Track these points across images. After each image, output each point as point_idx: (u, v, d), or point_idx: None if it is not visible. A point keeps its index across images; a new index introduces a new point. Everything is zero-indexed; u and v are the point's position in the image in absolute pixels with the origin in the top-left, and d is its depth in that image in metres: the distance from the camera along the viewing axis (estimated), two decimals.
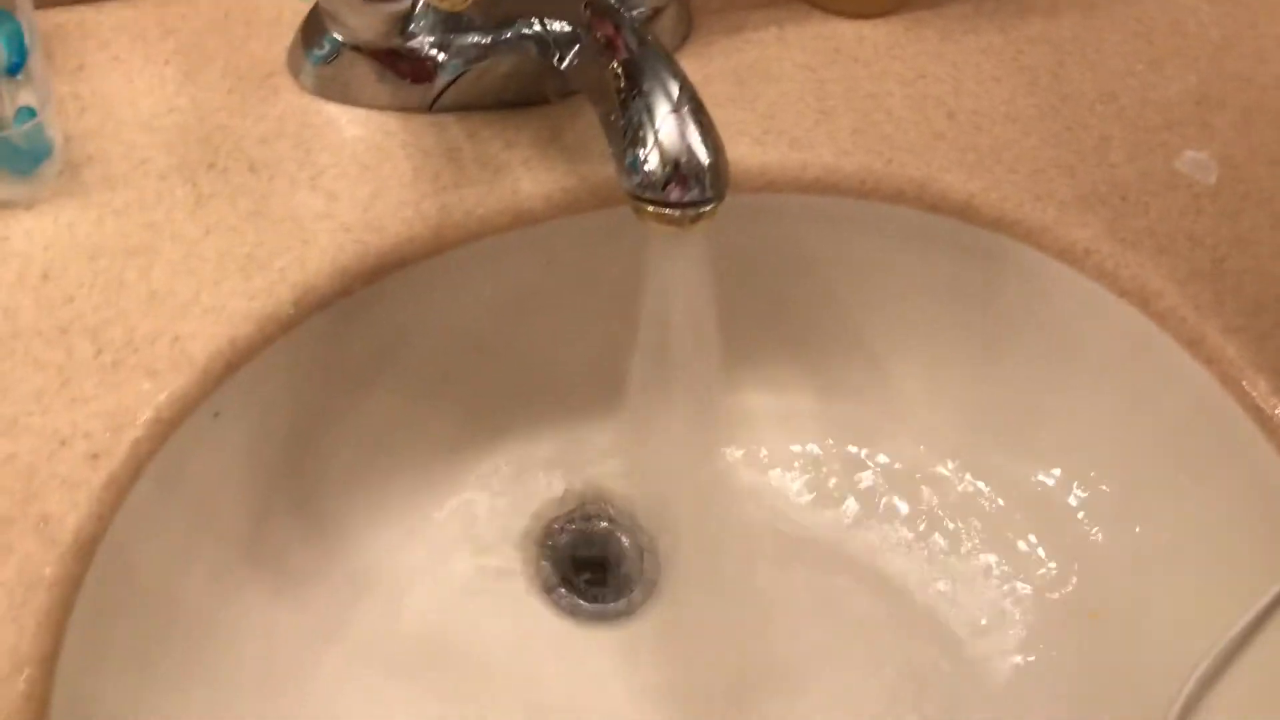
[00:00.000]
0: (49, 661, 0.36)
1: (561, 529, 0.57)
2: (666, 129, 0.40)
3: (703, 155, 0.40)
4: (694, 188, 0.39)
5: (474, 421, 0.55)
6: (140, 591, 0.42)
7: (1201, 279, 0.51)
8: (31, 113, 0.44)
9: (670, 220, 0.40)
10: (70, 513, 0.38)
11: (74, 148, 0.46)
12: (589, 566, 0.57)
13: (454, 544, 0.55)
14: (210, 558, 0.47)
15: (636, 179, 0.40)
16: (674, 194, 0.39)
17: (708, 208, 0.40)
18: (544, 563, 0.56)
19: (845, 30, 0.56)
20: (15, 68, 0.46)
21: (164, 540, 0.43)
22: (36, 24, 0.45)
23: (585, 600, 0.56)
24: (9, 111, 0.44)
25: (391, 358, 0.51)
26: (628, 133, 0.40)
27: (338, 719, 0.50)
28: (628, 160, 0.40)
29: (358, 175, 0.48)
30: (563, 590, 0.56)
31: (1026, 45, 0.58)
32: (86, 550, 0.38)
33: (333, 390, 0.49)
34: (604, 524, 0.58)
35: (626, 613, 0.56)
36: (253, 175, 0.47)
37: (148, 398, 0.41)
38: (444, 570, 0.55)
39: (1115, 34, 0.59)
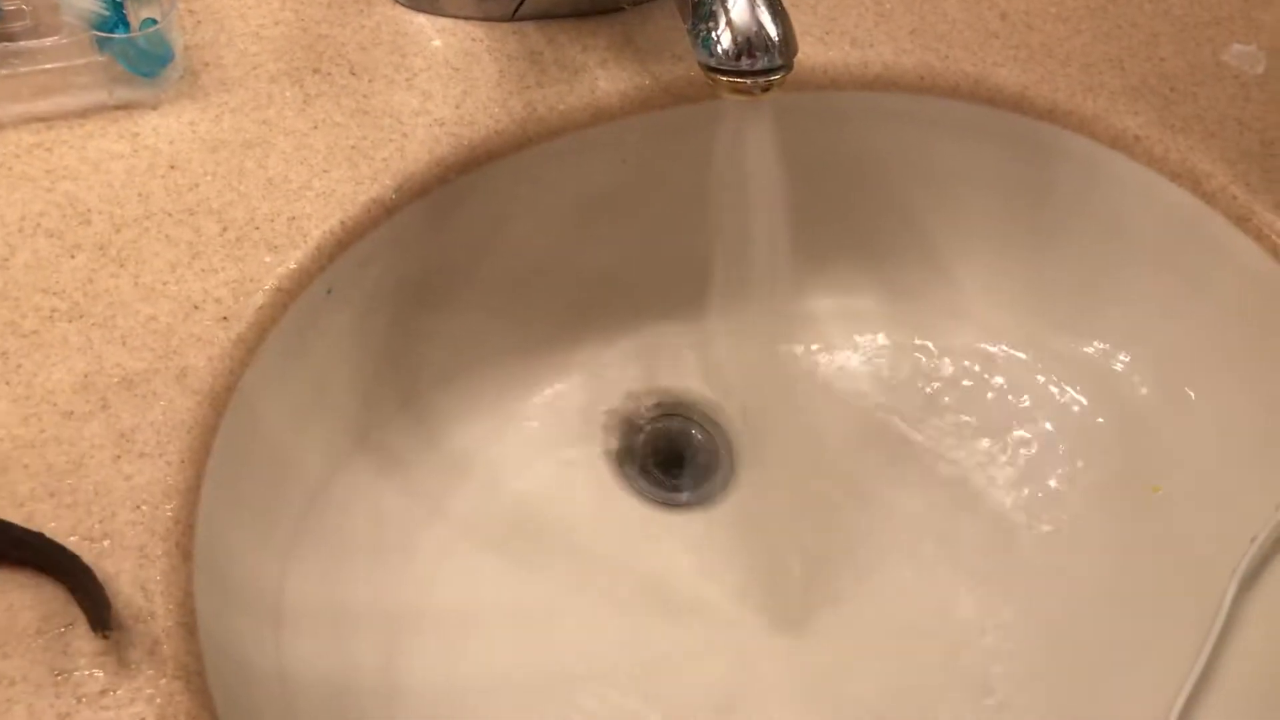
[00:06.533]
0: (192, 494, 0.40)
1: (642, 423, 0.61)
2: (738, 9, 0.43)
3: (771, 29, 0.43)
4: (763, 58, 0.43)
5: (559, 317, 0.59)
6: (265, 447, 0.46)
7: (1250, 159, 0.53)
8: (153, 22, 0.48)
9: (744, 89, 0.43)
10: (206, 366, 0.42)
11: (192, 55, 0.50)
12: (668, 458, 0.60)
13: (541, 434, 0.59)
14: (324, 432, 0.51)
15: (712, 54, 0.43)
16: (745, 64, 0.43)
17: (777, 75, 0.43)
18: (625, 454, 0.60)
19: None
20: None
21: (285, 404, 0.47)
22: None
23: (666, 489, 0.59)
24: (135, 23, 0.48)
25: (483, 252, 0.55)
26: (704, 14, 0.43)
27: (438, 589, 0.54)
28: (703, 38, 0.43)
29: (449, 77, 0.51)
30: (644, 480, 0.59)
31: None
32: (220, 400, 0.42)
33: (431, 282, 0.53)
34: (681, 418, 0.61)
35: (705, 500, 0.59)
36: (354, 78, 0.51)
37: (269, 269, 0.45)
38: (533, 458, 0.58)
39: None
